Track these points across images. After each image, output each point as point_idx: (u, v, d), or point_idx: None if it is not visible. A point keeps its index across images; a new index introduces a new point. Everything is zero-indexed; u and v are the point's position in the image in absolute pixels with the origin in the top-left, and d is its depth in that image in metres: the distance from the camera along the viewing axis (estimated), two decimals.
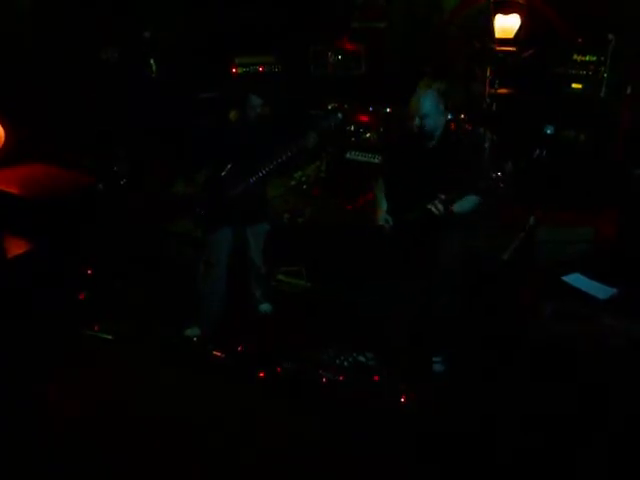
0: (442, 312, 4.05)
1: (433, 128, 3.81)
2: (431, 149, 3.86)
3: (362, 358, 4.33)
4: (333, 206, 6.25)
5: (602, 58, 5.83)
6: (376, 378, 4.18)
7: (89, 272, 5.29)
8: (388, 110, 6.48)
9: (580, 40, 6.05)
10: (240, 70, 7.26)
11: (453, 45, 6.72)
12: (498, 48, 6.12)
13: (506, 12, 6.15)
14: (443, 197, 3.65)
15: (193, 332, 4.69)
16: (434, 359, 4.23)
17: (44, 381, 4.15)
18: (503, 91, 6.21)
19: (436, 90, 3.83)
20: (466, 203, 3.74)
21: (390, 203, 4.06)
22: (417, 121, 3.77)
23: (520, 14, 6.14)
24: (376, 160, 6.28)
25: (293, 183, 6.58)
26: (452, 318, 4.08)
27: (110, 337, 4.64)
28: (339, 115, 4.42)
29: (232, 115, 4.50)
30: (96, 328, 4.69)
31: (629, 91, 5.78)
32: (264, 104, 4.38)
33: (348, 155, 6.50)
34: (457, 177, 3.66)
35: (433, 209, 3.67)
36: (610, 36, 5.78)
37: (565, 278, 4.52)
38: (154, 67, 7.20)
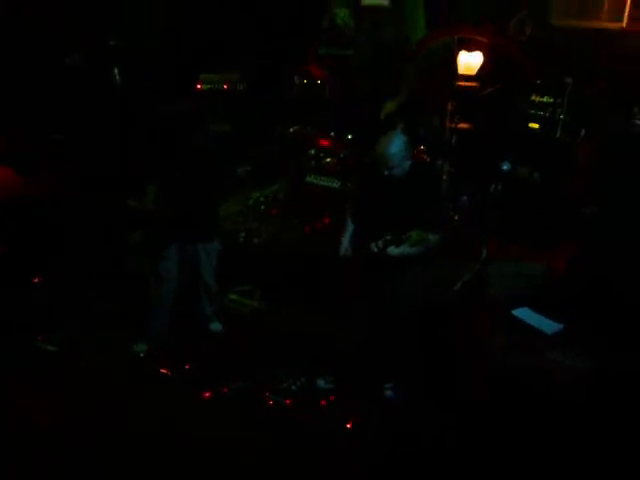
0: (393, 341, 4.06)
1: (400, 174, 3.80)
2: (394, 183, 3.85)
3: (321, 382, 4.30)
4: (291, 227, 6.23)
5: (559, 100, 6.01)
6: (323, 403, 4.16)
7: (37, 280, 5.15)
8: (350, 136, 6.54)
9: (539, 82, 6.23)
10: (205, 87, 7.25)
11: (420, 78, 6.84)
12: (461, 84, 6.24)
13: (470, 49, 6.29)
14: (388, 238, 3.66)
15: (140, 348, 4.59)
16: (385, 385, 4.24)
17: None
18: (463, 126, 6.32)
19: (402, 132, 3.83)
20: (404, 249, 3.70)
21: (357, 228, 4.06)
22: (385, 171, 3.75)
23: (483, 52, 6.29)
24: (335, 185, 6.31)
25: (251, 202, 6.54)
26: (402, 347, 4.09)
27: (54, 349, 4.51)
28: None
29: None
30: (40, 339, 4.55)
31: (583, 134, 5.96)
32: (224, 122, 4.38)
33: (308, 179, 6.51)
34: (415, 211, 3.70)
35: (373, 247, 3.70)
36: (568, 79, 5.96)
37: (515, 312, 4.60)
38: (117, 76, 7.12)
